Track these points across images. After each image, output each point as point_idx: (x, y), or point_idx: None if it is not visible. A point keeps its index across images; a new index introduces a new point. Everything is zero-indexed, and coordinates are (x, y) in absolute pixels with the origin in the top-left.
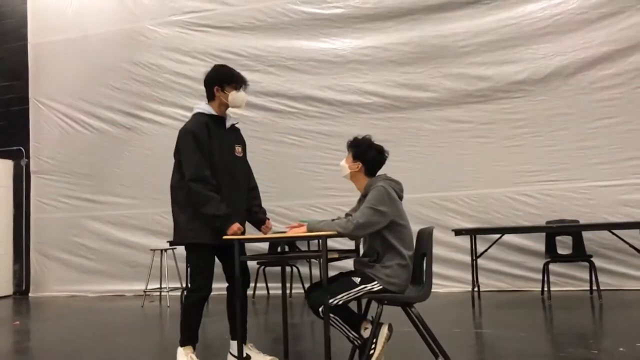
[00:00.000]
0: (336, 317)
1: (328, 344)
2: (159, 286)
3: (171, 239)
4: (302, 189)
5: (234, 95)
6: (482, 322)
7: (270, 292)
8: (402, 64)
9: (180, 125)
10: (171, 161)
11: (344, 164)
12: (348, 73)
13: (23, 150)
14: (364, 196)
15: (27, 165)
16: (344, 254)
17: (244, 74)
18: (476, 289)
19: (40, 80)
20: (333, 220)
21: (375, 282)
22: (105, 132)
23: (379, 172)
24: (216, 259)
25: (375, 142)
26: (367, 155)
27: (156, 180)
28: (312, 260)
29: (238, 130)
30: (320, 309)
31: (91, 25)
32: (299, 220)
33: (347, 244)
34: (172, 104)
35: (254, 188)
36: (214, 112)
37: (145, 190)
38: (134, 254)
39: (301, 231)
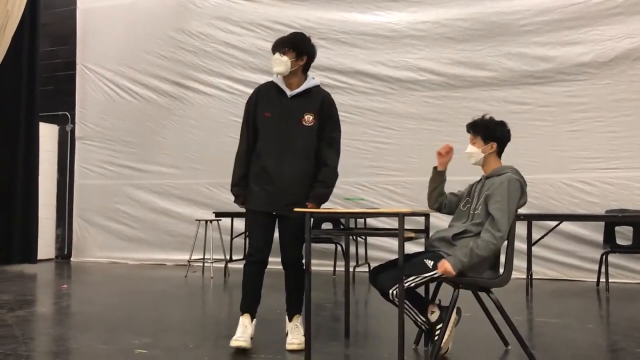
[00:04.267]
0: (405, 301)
1: (402, 328)
2: (201, 257)
3: (215, 210)
4: (348, 167)
5: (272, 59)
6: (540, 311)
7: (313, 268)
8: (460, 41)
9: (227, 95)
10: (217, 131)
11: (475, 149)
12: (402, 48)
13: (69, 115)
14: (487, 177)
15: (72, 131)
16: (419, 232)
17: None
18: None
19: (88, 46)
20: (460, 237)
21: None
22: (150, 100)
23: None
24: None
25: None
26: (498, 132)
27: (201, 151)
28: (359, 238)
29: (316, 97)
30: (391, 291)
31: None
32: (344, 197)
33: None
34: (220, 74)
35: (324, 165)
36: (276, 81)
37: (189, 161)
38: (175, 223)
39: (449, 271)
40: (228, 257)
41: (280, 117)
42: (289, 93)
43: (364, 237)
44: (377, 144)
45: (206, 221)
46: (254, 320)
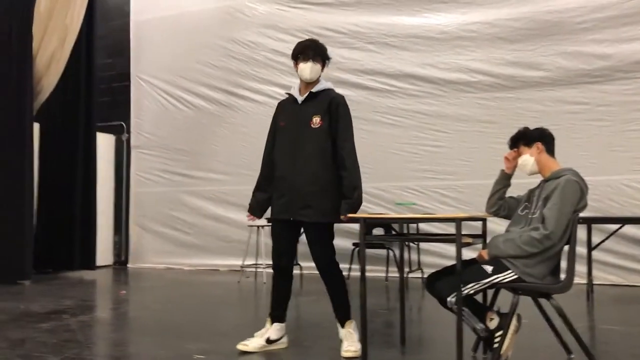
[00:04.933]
0: (463, 308)
1: (460, 335)
2: (254, 262)
3: (267, 216)
4: (398, 171)
5: (300, 68)
6: (603, 318)
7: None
8: (512, 41)
9: (276, 102)
10: (265, 137)
11: (524, 157)
12: (452, 50)
13: (124, 125)
14: (545, 181)
15: (128, 140)
16: (476, 238)
17: (342, 51)
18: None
19: (142, 57)
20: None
21: (510, 272)
22: (202, 108)
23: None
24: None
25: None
26: (536, 133)
27: (252, 157)
28: (412, 243)
29: (325, 99)
30: (449, 299)
31: (191, 2)
32: (395, 202)
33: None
34: (269, 82)
35: (343, 168)
36: (292, 92)
37: (241, 167)
38: (228, 229)
39: (484, 256)
40: None
41: (292, 124)
42: (300, 99)
43: (416, 243)
44: (428, 147)
45: (258, 227)
46: (281, 324)
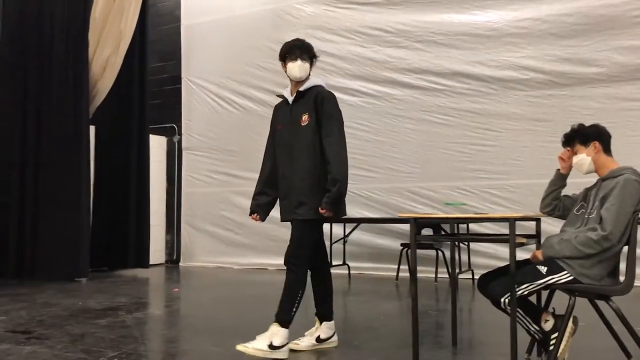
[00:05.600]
0: (517, 309)
1: (514, 337)
2: None
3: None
4: (447, 170)
5: (289, 67)
6: None
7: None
8: (565, 37)
9: None
10: None
11: (580, 156)
12: (503, 47)
13: (175, 127)
14: (602, 180)
15: (179, 142)
16: (530, 238)
17: (390, 51)
18: None
19: (192, 60)
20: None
21: (565, 273)
22: (251, 110)
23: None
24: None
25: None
26: (592, 130)
27: None
28: (461, 244)
29: (311, 95)
30: (502, 300)
31: (239, 5)
32: (444, 202)
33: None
34: None
35: (327, 162)
36: (284, 93)
37: None
38: (276, 229)
39: (538, 257)
40: (337, 263)
41: (286, 125)
42: (290, 99)
43: (466, 243)
44: (478, 146)
45: None
46: (329, 322)
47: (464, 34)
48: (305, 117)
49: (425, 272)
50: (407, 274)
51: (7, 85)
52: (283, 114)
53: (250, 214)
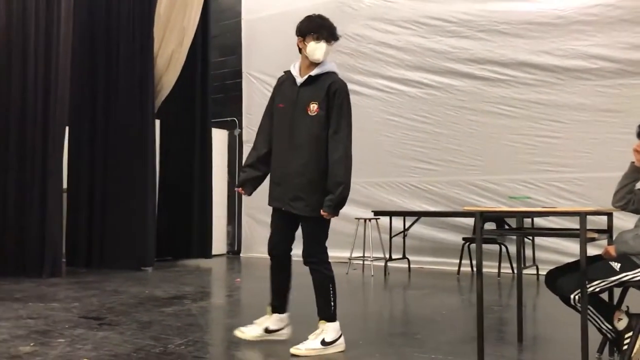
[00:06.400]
0: (588, 306)
1: (585, 336)
2: (361, 255)
3: (374, 209)
4: (511, 163)
5: (312, 47)
6: None
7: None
8: (638, 23)
9: (383, 95)
10: (373, 131)
11: None
12: (570, 35)
13: (236, 121)
14: None
15: (240, 135)
16: (601, 233)
17: (452, 41)
18: None
19: (252, 55)
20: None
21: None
22: None
23: None
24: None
25: None
26: None
27: (359, 151)
28: (525, 239)
29: (324, 83)
30: (572, 296)
31: None
32: (508, 196)
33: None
34: (376, 74)
35: (330, 159)
36: (292, 70)
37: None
38: (335, 221)
39: (611, 253)
40: (387, 256)
41: (289, 107)
42: (299, 81)
43: (531, 238)
44: (544, 138)
45: (365, 220)
46: (281, 315)
47: (530, 22)
48: (314, 107)
49: (487, 267)
50: (469, 269)
51: (78, 83)
52: (288, 92)
53: (236, 186)
